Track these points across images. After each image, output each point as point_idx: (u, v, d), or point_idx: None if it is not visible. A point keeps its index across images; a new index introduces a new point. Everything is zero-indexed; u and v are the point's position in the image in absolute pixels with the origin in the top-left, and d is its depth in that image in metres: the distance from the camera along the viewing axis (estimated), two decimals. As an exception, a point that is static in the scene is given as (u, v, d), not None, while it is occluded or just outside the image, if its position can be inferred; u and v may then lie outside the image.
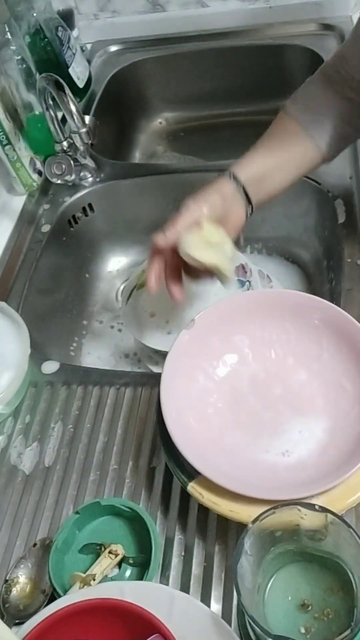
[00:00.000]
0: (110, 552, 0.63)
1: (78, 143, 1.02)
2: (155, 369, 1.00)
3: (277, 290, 0.73)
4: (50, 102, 1.01)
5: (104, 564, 0.63)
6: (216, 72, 1.38)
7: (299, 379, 0.69)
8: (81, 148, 1.05)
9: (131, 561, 0.64)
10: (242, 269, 0.93)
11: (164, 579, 0.63)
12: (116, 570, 0.64)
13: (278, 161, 0.82)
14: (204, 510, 0.65)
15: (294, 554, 0.56)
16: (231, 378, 0.70)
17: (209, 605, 0.61)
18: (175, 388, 0.66)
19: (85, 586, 0.61)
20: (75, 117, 0.97)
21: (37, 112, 1.08)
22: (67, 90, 0.95)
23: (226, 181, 0.79)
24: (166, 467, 0.70)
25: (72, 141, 1.04)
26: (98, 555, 0.64)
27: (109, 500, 0.67)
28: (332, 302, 0.70)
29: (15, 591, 0.64)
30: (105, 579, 0.63)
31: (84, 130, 0.99)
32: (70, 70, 1.20)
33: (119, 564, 0.64)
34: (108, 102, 1.32)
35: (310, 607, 0.54)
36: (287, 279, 1.12)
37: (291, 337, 0.71)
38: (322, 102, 0.81)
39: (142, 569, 0.63)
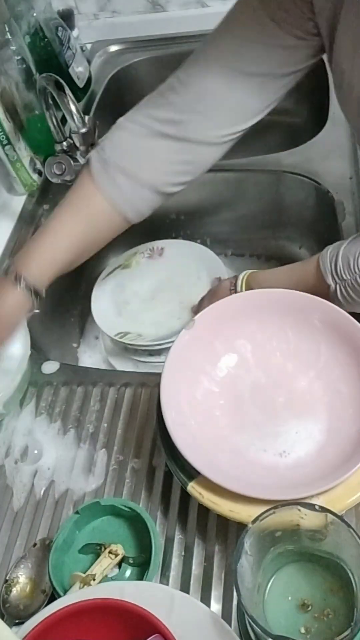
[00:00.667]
0: (110, 552, 0.63)
1: (78, 143, 1.02)
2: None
3: (277, 290, 0.73)
4: (50, 102, 1.01)
5: (104, 564, 0.63)
6: (216, 72, 1.37)
7: (298, 379, 0.69)
8: (81, 148, 1.04)
9: (131, 561, 0.64)
10: None
11: (164, 579, 0.63)
12: (116, 570, 0.64)
13: (72, 244, 0.72)
14: (204, 510, 0.65)
15: (294, 554, 0.56)
16: (231, 379, 0.70)
17: (209, 605, 0.61)
18: (176, 388, 0.66)
19: (85, 586, 0.61)
20: (75, 117, 0.96)
21: (37, 112, 1.08)
22: (67, 90, 0.95)
23: (15, 293, 0.70)
24: (166, 466, 0.70)
25: (72, 141, 1.04)
26: (98, 555, 0.64)
27: (109, 500, 0.67)
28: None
29: (15, 591, 0.64)
30: (105, 579, 0.63)
31: (84, 130, 0.99)
32: (70, 70, 1.20)
33: (119, 564, 0.64)
34: (108, 102, 1.32)
35: (310, 607, 0.54)
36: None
37: (291, 339, 0.71)
38: (131, 149, 0.72)
39: (142, 569, 0.63)
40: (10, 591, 0.64)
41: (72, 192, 0.75)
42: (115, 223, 0.75)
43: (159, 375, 0.67)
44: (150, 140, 0.72)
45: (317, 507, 0.51)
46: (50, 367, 0.85)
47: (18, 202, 1.10)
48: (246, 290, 0.79)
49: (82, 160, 1.09)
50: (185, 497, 0.67)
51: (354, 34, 0.62)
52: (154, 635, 0.51)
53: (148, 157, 0.73)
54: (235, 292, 0.80)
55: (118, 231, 0.76)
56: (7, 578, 0.65)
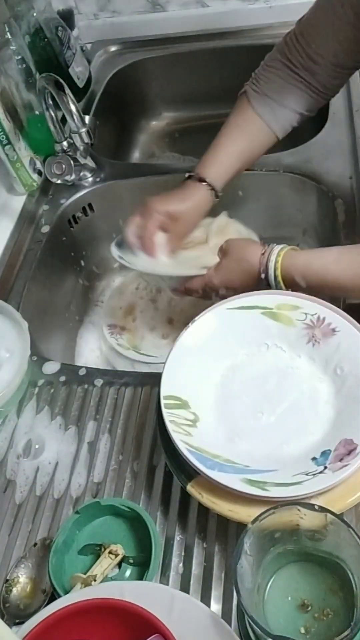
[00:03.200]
0: (110, 552, 0.63)
1: (78, 143, 1.02)
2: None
3: (275, 291, 0.73)
4: (50, 102, 1.01)
5: (104, 564, 0.63)
6: (216, 72, 1.37)
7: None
8: (81, 148, 1.05)
9: (131, 561, 0.64)
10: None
11: (164, 579, 0.63)
12: (116, 570, 0.64)
13: (240, 155, 0.90)
14: (204, 510, 0.65)
15: (293, 554, 0.56)
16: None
17: (209, 605, 0.61)
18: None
19: (86, 587, 0.61)
20: (75, 117, 0.97)
21: (37, 112, 1.08)
22: (67, 90, 0.95)
23: (200, 189, 0.89)
24: (166, 466, 0.70)
25: (72, 141, 1.04)
26: (98, 556, 0.64)
27: (109, 500, 0.67)
28: (331, 302, 0.70)
29: (15, 591, 0.64)
30: (105, 579, 0.62)
31: (84, 130, 0.99)
32: (70, 70, 1.20)
33: (119, 564, 0.64)
34: (108, 102, 1.32)
35: (310, 607, 0.54)
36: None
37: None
38: (279, 88, 0.87)
39: (142, 569, 0.63)
40: (11, 591, 0.64)
41: (234, 117, 0.91)
42: (269, 140, 0.91)
43: (159, 375, 0.67)
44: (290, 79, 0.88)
45: (316, 507, 0.51)
46: (50, 367, 0.85)
47: (18, 202, 1.11)
48: (282, 276, 0.74)
49: (82, 160, 1.09)
50: (185, 497, 0.67)
51: None
52: (154, 635, 0.51)
53: (291, 90, 0.88)
54: (267, 276, 0.75)
55: (269, 146, 0.92)
56: (7, 578, 0.65)
